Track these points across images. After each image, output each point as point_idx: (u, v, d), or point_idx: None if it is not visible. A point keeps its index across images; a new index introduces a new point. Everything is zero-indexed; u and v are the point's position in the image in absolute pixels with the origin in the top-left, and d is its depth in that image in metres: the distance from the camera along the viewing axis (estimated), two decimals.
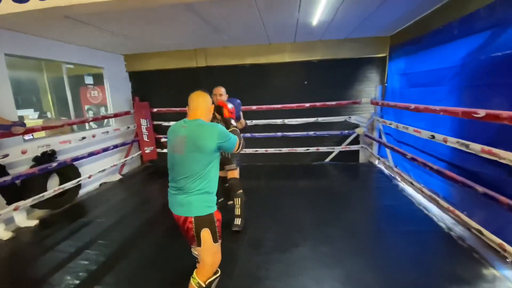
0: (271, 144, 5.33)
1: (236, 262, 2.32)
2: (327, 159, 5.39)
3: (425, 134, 3.07)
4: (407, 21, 3.80)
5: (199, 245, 1.57)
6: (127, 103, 5.52)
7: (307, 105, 4.95)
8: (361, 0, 2.87)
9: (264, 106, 5.05)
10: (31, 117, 5.39)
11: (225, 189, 3.07)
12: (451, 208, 2.73)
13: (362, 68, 4.98)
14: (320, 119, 5.06)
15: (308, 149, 5.22)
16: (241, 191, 2.80)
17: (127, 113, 5.17)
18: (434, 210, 3.11)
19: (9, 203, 3.01)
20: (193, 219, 1.53)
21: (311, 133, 5.14)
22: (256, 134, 5.20)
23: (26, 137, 3.50)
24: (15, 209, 2.99)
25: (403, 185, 3.95)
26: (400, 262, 2.27)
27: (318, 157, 5.42)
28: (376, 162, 5.07)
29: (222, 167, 2.73)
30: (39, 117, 5.57)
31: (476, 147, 2.24)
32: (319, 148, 5.23)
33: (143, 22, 3.29)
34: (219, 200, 3.13)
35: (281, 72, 5.21)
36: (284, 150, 5.26)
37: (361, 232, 2.79)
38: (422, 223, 2.88)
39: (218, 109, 2.07)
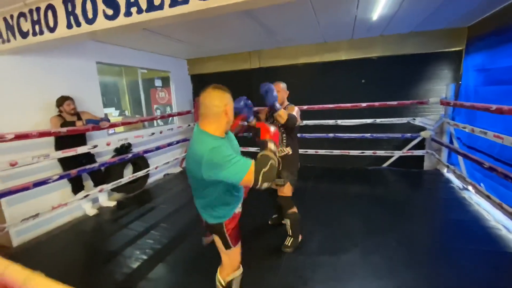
0: (321, 145, 5.17)
1: (281, 260, 2.37)
2: (385, 164, 4.99)
3: (508, 140, 2.62)
4: (489, 9, 3.28)
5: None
6: (189, 103, 6.06)
7: (364, 104, 4.63)
8: None
9: (316, 106, 4.92)
10: (114, 114, 6.39)
11: (278, 206, 2.71)
12: None
13: (430, 64, 4.47)
14: (379, 121, 4.69)
15: (363, 152, 4.90)
16: (292, 210, 2.47)
17: (188, 112, 5.68)
18: None
19: (96, 185, 3.64)
20: (204, 222, 1.53)
21: (367, 135, 4.82)
22: (306, 135, 5.13)
23: (110, 131, 4.17)
24: (100, 191, 3.60)
25: (477, 198, 3.43)
26: (466, 282, 2.01)
27: (374, 161, 5.06)
28: (445, 170, 4.49)
29: None
30: (119, 115, 6.56)
31: None
32: (376, 151, 4.87)
33: (204, 29, 3.58)
34: (273, 217, 3.02)
35: (335, 71, 5.03)
36: (336, 152, 5.04)
37: (420, 245, 2.53)
38: (499, 244, 2.47)
39: (256, 131, 1.63)
